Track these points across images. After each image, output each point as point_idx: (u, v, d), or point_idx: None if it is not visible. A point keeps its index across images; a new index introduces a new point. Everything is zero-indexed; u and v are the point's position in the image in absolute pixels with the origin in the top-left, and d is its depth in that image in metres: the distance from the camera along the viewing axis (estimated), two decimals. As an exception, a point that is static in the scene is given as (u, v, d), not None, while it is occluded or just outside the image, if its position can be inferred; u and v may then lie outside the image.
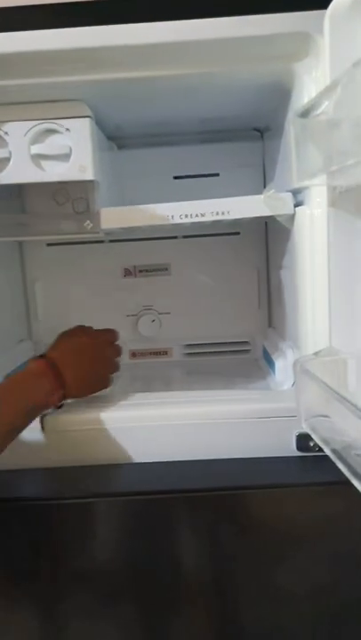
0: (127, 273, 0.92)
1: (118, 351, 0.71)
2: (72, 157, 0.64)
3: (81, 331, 0.69)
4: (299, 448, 0.59)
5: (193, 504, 0.57)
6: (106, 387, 0.68)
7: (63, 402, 0.62)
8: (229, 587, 0.59)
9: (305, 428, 0.48)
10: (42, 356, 0.62)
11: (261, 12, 0.53)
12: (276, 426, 0.60)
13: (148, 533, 0.57)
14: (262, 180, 0.88)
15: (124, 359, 0.92)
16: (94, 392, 0.66)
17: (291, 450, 0.59)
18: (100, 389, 0.67)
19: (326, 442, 0.44)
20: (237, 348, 0.92)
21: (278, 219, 0.65)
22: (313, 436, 0.47)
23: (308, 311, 0.60)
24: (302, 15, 0.53)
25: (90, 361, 0.65)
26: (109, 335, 0.71)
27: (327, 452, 0.43)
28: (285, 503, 0.57)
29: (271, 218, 0.66)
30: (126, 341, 0.91)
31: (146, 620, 0.60)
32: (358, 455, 0.38)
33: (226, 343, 0.92)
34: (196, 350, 0.93)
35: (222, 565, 0.58)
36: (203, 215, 0.65)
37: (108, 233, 0.68)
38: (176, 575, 0.58)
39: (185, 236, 0.91)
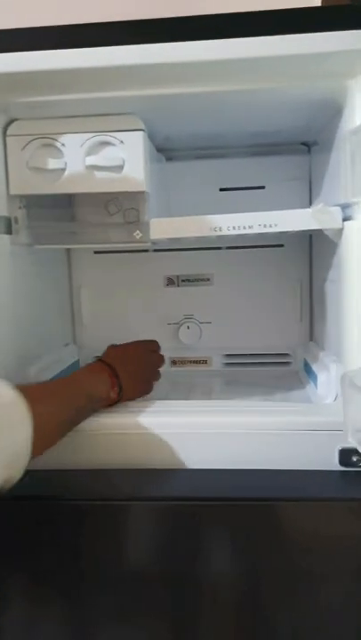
0: (170, 282, 0.93)
1: (161, 360, 0.78)
2: (125, 169, 0.66)
3: (127, 343, 0.74)
4: (341, 462, 0.58)
5: (227, 513, 0.57)
6: (148, 392, 0.72)
7: (118, 399, 0.65)
8: (262, 600, 0.58)
9: (352, 442, 0.48)
10: (97, 360, 0.67)
11: (317, 31, 0.54)
12: (319, 439, 0.59)
13: (182, 540, 0.57)
14: (308, 194, 0.88)
15: (165, 366, 0.94)
16: (141, 395, 0.69)
17: (332, 464, 0.59)
18: (144, 394, 0.70)
19: (374, 456, 0.44)
20: (278, 359, 0.92)
21: (326, 232, 0.65)
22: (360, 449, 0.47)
23: (355, 325, 0.60)
24: (358, 33, 0.54)
25: (138, 365, 0.70)
26: (152, 345, 0.78)
27: (374, 466, 0.43)
28: (325, 517, 0.56)
29: (317, 231, 0.66)
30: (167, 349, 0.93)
31: (174, 629, 0.60)
32: None
33: (266, 354, 0.93)
34: (236, 360, 0.93)
35: (255, 577, 0.58)
36: (250, 227, 0.65)
37: (153, 242, 0.70)
38: (207, 585, 0.58)
39: (228, 247, 0.92)
